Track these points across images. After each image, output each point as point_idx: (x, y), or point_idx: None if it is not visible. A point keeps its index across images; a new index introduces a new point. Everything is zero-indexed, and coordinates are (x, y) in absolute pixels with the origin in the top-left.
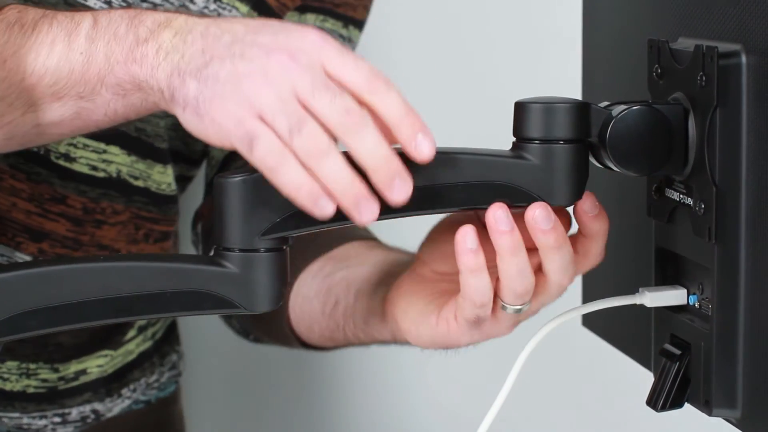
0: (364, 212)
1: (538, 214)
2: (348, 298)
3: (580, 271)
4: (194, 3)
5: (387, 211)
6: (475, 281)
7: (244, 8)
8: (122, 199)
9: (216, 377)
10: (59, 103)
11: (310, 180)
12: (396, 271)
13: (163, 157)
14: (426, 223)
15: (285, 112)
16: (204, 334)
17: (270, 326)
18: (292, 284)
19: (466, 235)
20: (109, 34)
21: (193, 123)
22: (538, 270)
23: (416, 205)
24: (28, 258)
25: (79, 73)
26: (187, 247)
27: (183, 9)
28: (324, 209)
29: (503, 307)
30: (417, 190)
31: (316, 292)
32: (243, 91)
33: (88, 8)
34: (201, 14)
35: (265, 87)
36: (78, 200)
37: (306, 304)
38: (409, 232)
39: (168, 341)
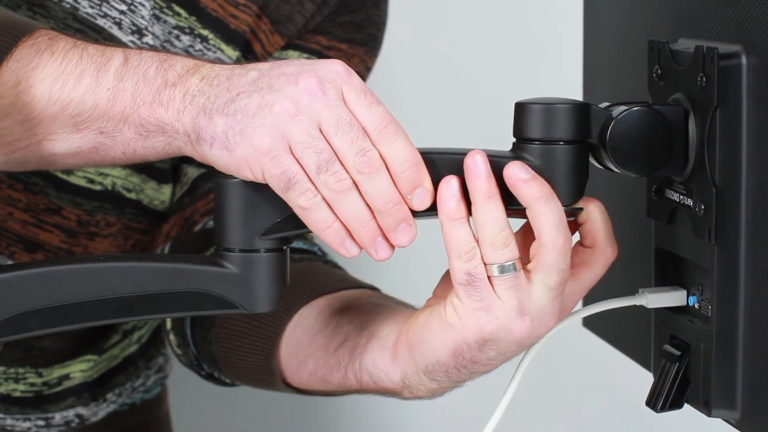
0: (381, 250)
1: (515, 166)
2: (360, 339)
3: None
4: (180, 40)
5: None
6: (455, 230)
7: (230, 51)
8: (115, 212)
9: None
10: (79, 135)
11: (337, 222)
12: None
13: (160, 176)
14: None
15: (314, 148)
16: None
17: (247, 359)
18: (291, 317)
19: (449, 183)
20: (139, 74)
21: (222, 158)
22: (530, 232)
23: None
24: None
25: (103, 109)
26: None
27: (167, 47)
28: (350, 250)
29: (491, 272)
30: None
31: (321, 327)
32: (273, 122)
33: (101, 31)
34: (212, 61)
35: (294, 119)
36: (73, 212)
37: (306, 337)
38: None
39: (154, 344)
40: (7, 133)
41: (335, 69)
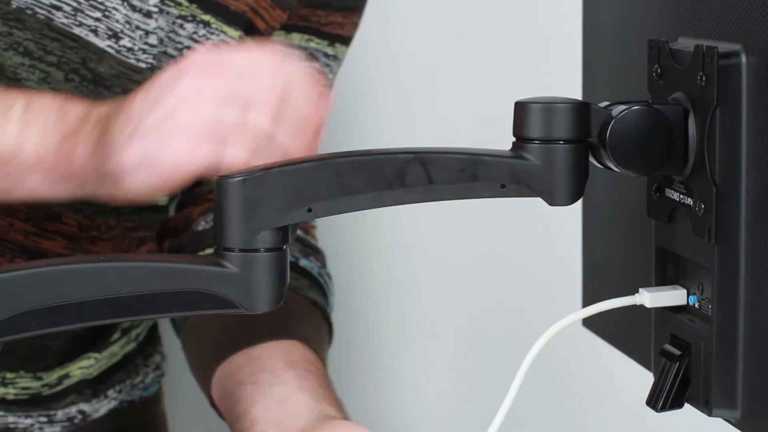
0: None
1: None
2: (244, 423)
3: None
4: (184, 29)
5: None
6: None
7: (233, 32)
8: (114, 215)
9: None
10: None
11: None
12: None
13: None
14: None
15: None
16: None
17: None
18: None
19: None
20: (41, 121)
21: (148, 181)
22: None
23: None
24: None
25: (9, 155)
26: None
27: (172, 37)
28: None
29: None
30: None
31: (228, 391)
32: (180, 121)
33: (78, 39)
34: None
35: (194, 108)
36: (73, 218)
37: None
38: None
39: (150, 342)
40: None
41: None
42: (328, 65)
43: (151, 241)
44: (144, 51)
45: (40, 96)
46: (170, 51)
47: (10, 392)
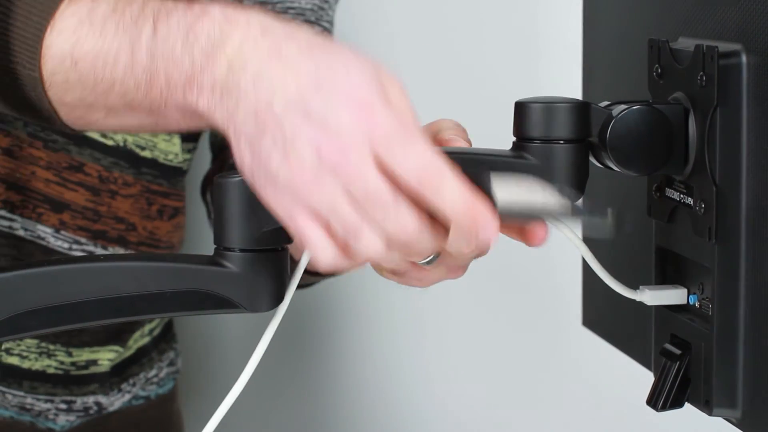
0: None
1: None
2: None
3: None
4: None
5: None
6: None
7: None
8: (131, 171)
9: (212, 377)
10: (133, 114)
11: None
12: None
13: None
14: None
15: (337, 218)
16: (201, 335)
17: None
18: None
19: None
20: (167, 52)
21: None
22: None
23: None
24: (49, 230)
25: (144, 91)
26: (196, 229)
27: None
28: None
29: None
30: None
31: None
32: (293, 186)
33: None
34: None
35: (316, 190)
36: (93, 168)
37: None
38: None
39: (165, 339)
40: (74, 108)
41: (362, 125)
42: (326, 1)
43: (182, 213)
44: None
45: (168, 14)
46: None
47: (51, 365)
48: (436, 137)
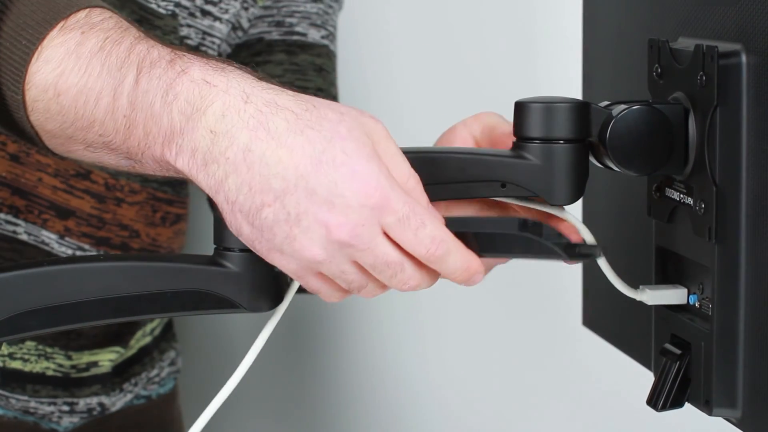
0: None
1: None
2: None
3: None
4: None
5: None
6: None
7: None
8: (138, 178)
9: (212, 377)
10: (111, 153)
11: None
12: None
13: None
14: None
15: (344, 280)
16: (201, 335)
17: None
18: None
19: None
20: (147, 105)
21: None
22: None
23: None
24: (54, 236)
25: (123, 137)
26: (196, 231)
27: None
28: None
29: None
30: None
31: None
32: (301, 259)
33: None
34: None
35: (324, 263)
36: (100, 175)
37: None
38: None
39: (165, 338)
40: (54, 137)
41: (368, 200)
42: (331, 6)
43: (184, 220)
44: None
45: (150, 66)
46: (194, 1)
47: (50, 367)
48: (492, 135)
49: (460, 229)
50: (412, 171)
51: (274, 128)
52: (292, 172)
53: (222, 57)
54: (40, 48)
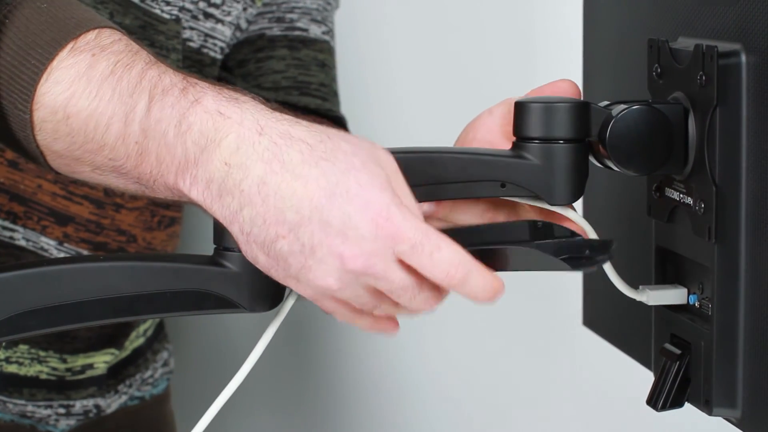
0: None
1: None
2: None
3: None
4: None
5: None
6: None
7: None
8: None
9: (204, 377)
10: (119, 177)
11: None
12: None
13: None
14: None
15: (359, 302)
16: (193, 335)
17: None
18: None
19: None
20: (159, 134)
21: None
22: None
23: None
24: (53, 243)
25: (134, 163)
26: (192, 232)
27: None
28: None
29: None
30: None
31: None
32: (317, 287)
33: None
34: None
35: (339, 291)
36: None
37: None
38: None
39: (158, 339)
40: (60, 157)
41: (380, 231)
42: (329, 2)
43: (178, 223)
44: (167, 2)
45: (163, 94)
46: (197, 4)
47: (43, 371)
48: None
49: (470, 240)
50: (418, 205)
51: (289, 160)
52: (307, 205)
53: (223, 59)
54: (49, 68)
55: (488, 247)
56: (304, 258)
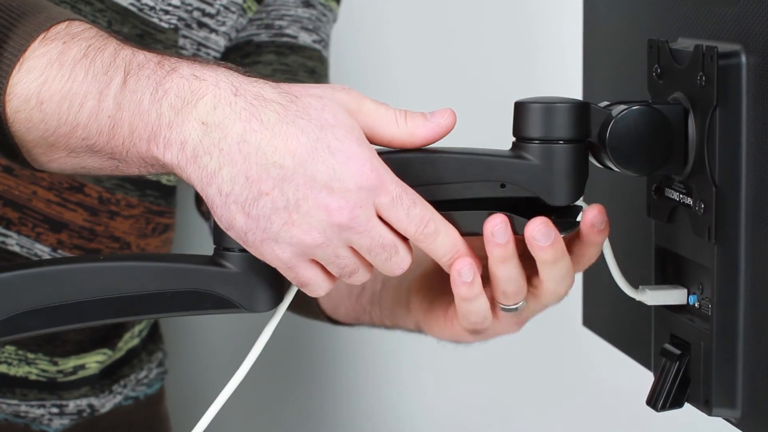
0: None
1: (537, 231)
2: (375, 286)
3: (575, 272)
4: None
5: None
6: (469, 307)
7: None
8: (136, 193)
9: (199, 378)
10: (95, 156)
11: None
12: (422, 264)
13: None
14: None
15: (338, 265)
16: (188, 336)
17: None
18: None
19: (462, 269)
20: (134, 104)
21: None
22: (536, 275)
23: None
24: (47, 249)
25: (106, 137)
26: (186, 237)
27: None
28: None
29: (500, 307)
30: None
31: None
32: (298, 245)
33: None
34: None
35: (321, 247)
36: (94, 189)
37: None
38: None
39: (153, 340)
40: (35, 146)
41: (365, 182)
42: (324, 14)
43: (171, 229)
44: (166, 12)
45: (140, 67)
46: (191, 13)
47: (32, 372)
48: None
49: (436, 195)
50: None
51: (267, 119)
52: (290, 160)
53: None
54: (21, 59)
55: (456, 212)
56: (288, 213)
